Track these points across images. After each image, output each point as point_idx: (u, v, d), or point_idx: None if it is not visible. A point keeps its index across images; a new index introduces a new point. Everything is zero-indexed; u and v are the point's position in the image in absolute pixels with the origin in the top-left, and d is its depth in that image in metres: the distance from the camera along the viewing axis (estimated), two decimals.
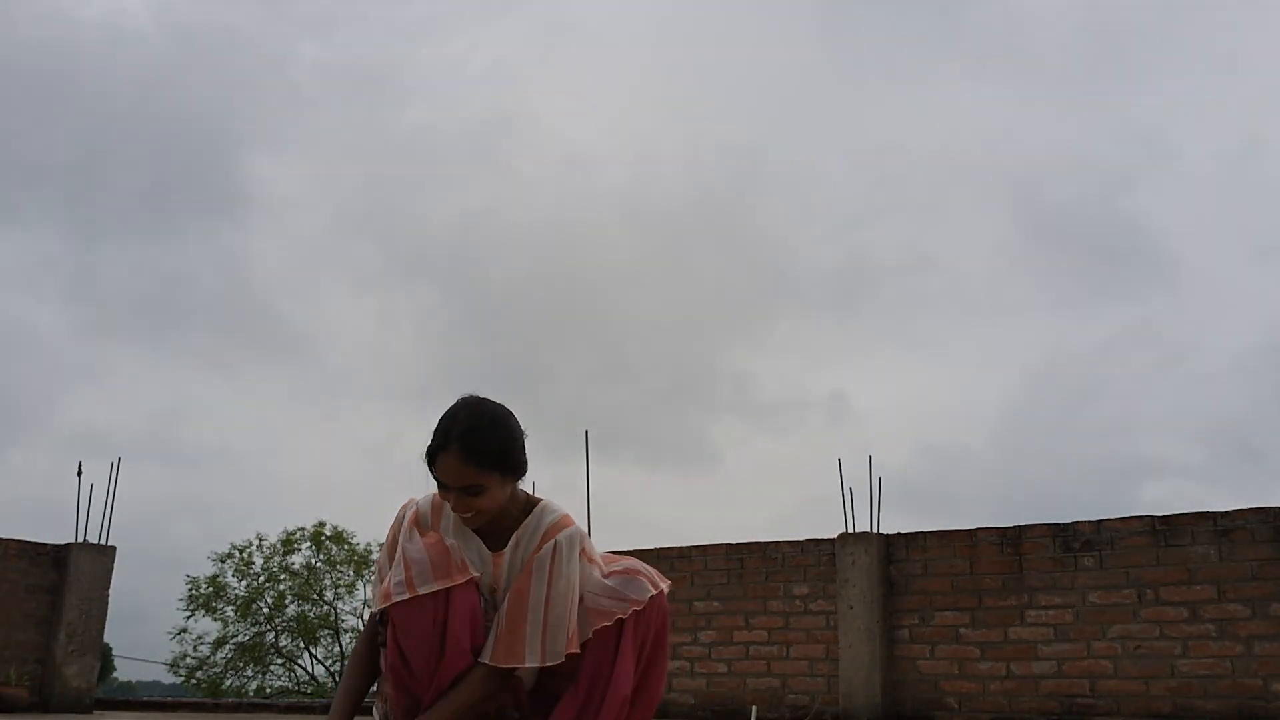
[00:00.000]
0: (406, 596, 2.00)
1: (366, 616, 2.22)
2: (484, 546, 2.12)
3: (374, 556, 20.62)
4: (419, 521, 2.14)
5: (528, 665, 2.01)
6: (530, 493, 2.22)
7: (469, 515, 2.05)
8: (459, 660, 2.02)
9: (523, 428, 2.13)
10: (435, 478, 2.05)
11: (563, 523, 2.11)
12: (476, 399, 2.11)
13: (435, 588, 2.01)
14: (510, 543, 2.12)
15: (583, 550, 2.11)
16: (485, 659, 2.03)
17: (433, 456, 2.04)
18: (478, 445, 2.01)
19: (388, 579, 2.06)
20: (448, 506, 2.12)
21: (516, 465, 2.08)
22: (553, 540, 2.08)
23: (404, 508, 2.18)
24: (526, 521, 2.12)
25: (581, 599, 2.07)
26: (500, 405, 2.13)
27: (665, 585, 2.15)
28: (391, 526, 2.18)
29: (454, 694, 2.02)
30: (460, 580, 2.03)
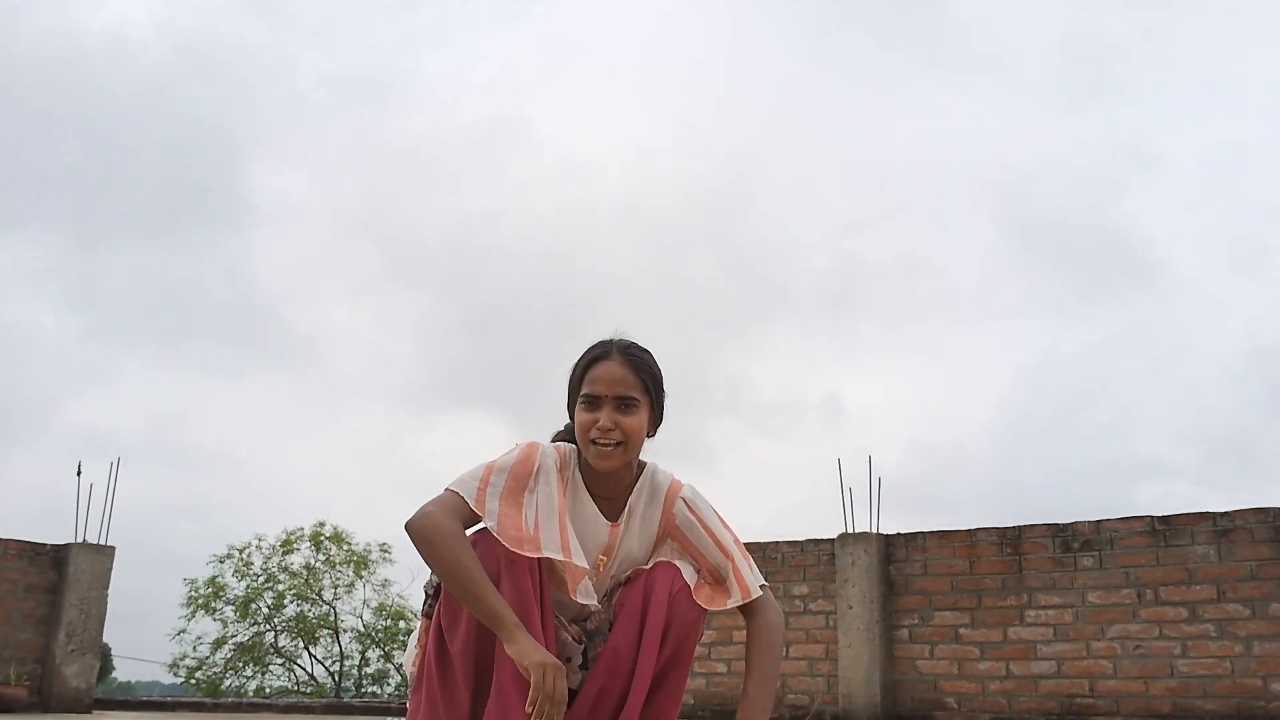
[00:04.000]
0: (563, 557, 1.89)
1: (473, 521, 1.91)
2: (600, 514, 2.03)
3: (373, 557, 20.62)
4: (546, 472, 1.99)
5: (747, 599, 1.99)
6: None
7: (611, 446, 1.94)
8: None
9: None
10: (585, 395, 1.97)
11: (677, 484, 2.09)
12: None
13: (586, 568, 1.94)
14: (625, 513, 2.04)
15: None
16: (737, 604, 2.01)
17: (588, 366, 1.99)
18: (639, 355, 2.00)
19: (539, 526, 1.90)
20: (571, 466, 2.02)
21: (662, 401, 2.04)
22: (678, 499, 2.06)
23: (533, 446, 2.02)
24: (639, 485, 2.06)
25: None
26: None
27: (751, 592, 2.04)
28: (528, 454, 1.99)
29: (763, 664, 1.97)
30: (580, 567, 1.92)
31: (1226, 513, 5.64)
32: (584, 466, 2.04)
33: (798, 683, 6.65)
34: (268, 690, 20.50)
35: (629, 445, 1.96)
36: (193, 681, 20.15)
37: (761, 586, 2.04)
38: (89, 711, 7.26)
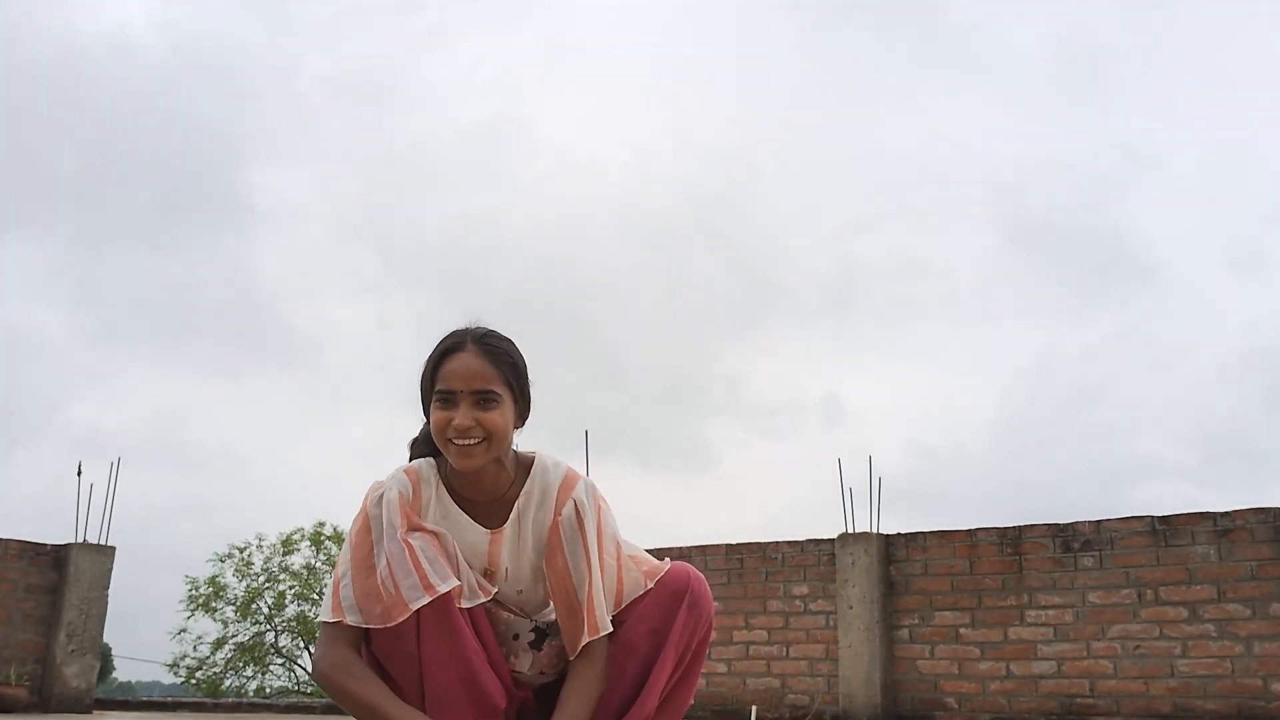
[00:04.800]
0: (428, 599, 1.70)
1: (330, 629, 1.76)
2: (475, 524, 1.84)
3: None
4: (403, 505, 1.80)
5: (595, 637, 1.79)
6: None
7: (473, 443, 1.76)
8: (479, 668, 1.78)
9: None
10: (439, 392, 1.78)
11: (570, 479, 1.89)
12: None
13: (455, 584, 1.74)
14: (511, 516, 1.85)
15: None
16: (572, 656, 1.81)
17: (441, 360, 1.80)
18: (497, 344, 1.81)
19: (395, 582, 1.71)
20: (430, 484, 1.84)
21: (525, 392, 1.85)
22: (570, 500, 1.85)
23: (373, 492, 1.82)
24: (526, 488, 1.87)
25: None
26: None
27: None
28: (362, 522, 1.80)
29: (578, 703, 1.77)
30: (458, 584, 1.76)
31: (1226, 513, 5.64)
32: (450, 473, 1.85)
33: (798, 683, 6.65)
34: (268, 690, 20.51)
35: (493, 442, 1.77)
36: (193, 681, 20.15)
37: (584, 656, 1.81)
38: (89, 711, 7.26)
